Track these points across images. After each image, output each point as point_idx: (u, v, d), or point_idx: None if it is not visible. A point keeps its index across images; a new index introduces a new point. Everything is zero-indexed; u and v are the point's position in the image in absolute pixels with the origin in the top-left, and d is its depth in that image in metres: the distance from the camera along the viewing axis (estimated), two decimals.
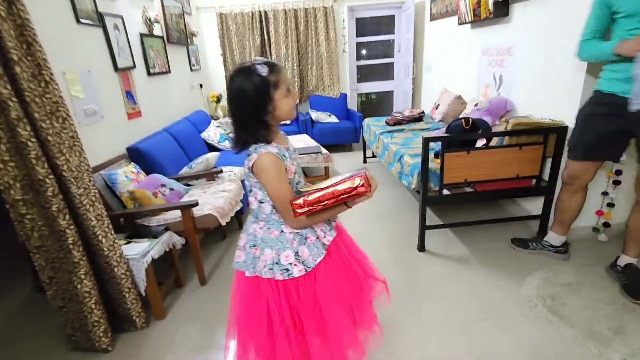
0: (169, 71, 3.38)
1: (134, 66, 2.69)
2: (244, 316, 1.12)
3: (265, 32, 4.78)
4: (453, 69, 3.68)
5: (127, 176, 2.12)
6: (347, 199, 0.95)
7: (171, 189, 2.24)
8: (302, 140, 3.87)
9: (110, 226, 1.65)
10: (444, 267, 2.15)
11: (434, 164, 2.24)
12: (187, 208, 1.94)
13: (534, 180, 2.24)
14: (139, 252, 1.74)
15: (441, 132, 2.90)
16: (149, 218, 2.04)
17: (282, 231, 1.07)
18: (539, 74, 2.34)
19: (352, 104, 5.30)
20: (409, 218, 2.77)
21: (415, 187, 2.31)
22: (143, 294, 1.75)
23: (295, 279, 1.05)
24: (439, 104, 3.72)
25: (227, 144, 3.76)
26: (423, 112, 3.77)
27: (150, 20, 3.01)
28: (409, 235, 2.51)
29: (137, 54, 2.80)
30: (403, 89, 5.10)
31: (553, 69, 2.21)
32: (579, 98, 2.02)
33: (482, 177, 2.16)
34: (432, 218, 2.70)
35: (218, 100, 4.77)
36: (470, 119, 2.15)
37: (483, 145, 2.27)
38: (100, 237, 1.59)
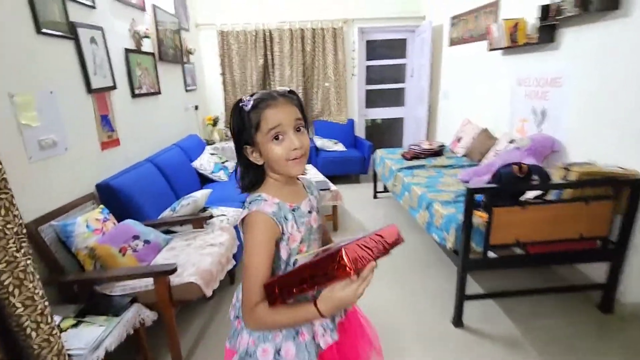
0: (159, 92, 2.97)
1: (114, 86, 2.27)
2: None
3: (269, 52, 4.45)
4: (477, 99, 3.31)
5: (89, 225, 1.66)
6: (322, 283, 0.66)
7: (146, 242, 1.78)
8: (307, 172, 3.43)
9: (47, 311, 1.17)
10: (489, 352, 1.68)
11: (475, 218, 1.80)
12: (162, 275, 1.47)
13: (599, 242, 1.80)
14: (87, 344, 1.26)
15: (474, 173, 2.48)
16: (111, 284, 1.56)
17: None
18: (598, 110, 1.95)
19: (360, 131, 4.92)
20: (436, 276, 2.30)
21: (451, 247, 1.85)
22: None
23: None
24: (461, 137, 3.33)
25: (221, 175, 3.32)
26: (443, 145, 3.37)
27: (139, 34, 2.62)
28: (439, 300, 2.04)
29: (120, 72, 2.39)
30: (415, 115, 4.73)
31: (620, 106, 1.81)
32: None
33: (538, 237, 1.72)
34: (468, 282, 2.23)
35: (215, 123, 4.37)
36: (524, 165, 1.73)
37: (536, 197, 1.84)
38: (28, 331, 1.12)
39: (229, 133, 4.57)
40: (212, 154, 3.51)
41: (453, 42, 3.72)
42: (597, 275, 1.98)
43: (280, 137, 0.76)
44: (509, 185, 1.71)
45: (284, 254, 0.82)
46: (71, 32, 1.87)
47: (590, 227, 1.73)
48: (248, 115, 0.77)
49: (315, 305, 0.70)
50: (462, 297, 1.81)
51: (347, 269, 0.60)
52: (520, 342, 1.73)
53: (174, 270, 1.48)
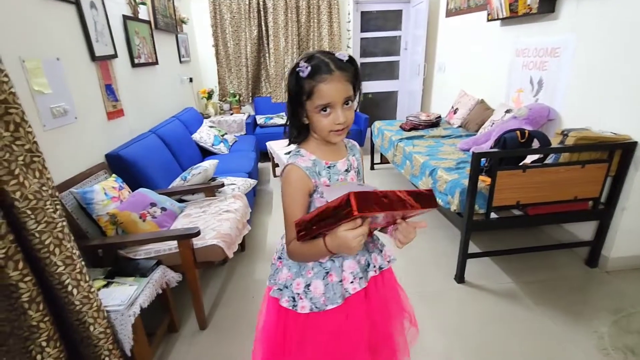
0: (157, 62, 2.91)
1: (116, 55, 2.22)
2: (261, 332, 1.03)
3: (263, 23, 4.34)
4: (473, 70, 3.37)
5: (107, 193, 1.68)
6: (333, 224, 0.69)
7: (163, 209, 1.82)
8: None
9: (85, 270, 1.22)
10: (490, 305, 1.83)
11: (479, 182, 1.90)
12: (185, 238, 1.53)
13: (590, 203, 1.94)
14: (123, 301, 1.32)
15: (473, 142, 2.58)
16: (135, 248, 1.61)
17: None
18: (594, 79, 2.04)
19: None
20: (438, 237, 2.44)
21: (456, 209, 1.96)
22: (129, 354, 1.33)
23: (296, 314, 0.92)
24: (457, 108, 3.40)
25: (222, 147, 3.32)
26: (440, 116, 3.45)
27: (135, 0, 2.53)
28: (442, 260, 2.18)
29: (120, 40, 2.33)
30: (409, 89, 4.77)
31: (615, 74, 1.91)
32: None
33: (538, 199, 1.85)
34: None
35: (209, 96, 4.31)
36: (526, 131, 1.82)
37: (535, 160, 1.95)
38: (70, 288, 1.17)
39: (224, 106, 4.52)
40: (210, 127, 3.49)
41: (450, 13, 3.72)
42: (582, 233, 2.14)
43: (328, 110, 0.81)
44: (513, 149, 1.80)
45: (318, 204, 0.87)
46: None
47: (585, 189, 1.86)
48: (302, 82, 0.80)
49: (324, 240, 0.76)
50: (465, 255, 1.93)
51: (352, 211, 0.62)
52: (518, 294, 1.89)
53: (198, 233, 1.53)
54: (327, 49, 4.51)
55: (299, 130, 0.90)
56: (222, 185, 2.14)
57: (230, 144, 3.51)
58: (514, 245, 2.24)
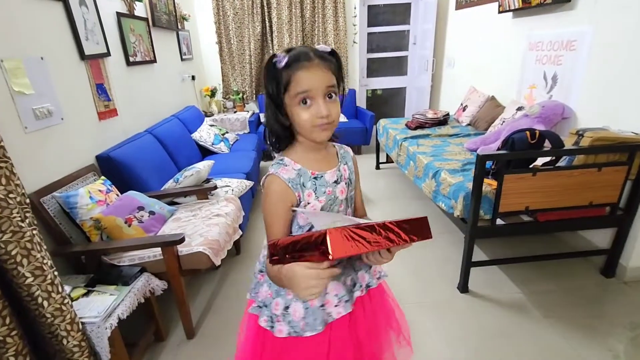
0: (155, 60, 2.85)
1: (108, 53, 2.16)
2: (240, 349, 0.97)
3: (266, 19, 4.25)
4: (484, 65, 3.21)
5: (92, 197, 1.63)
6: (306, 258, 0.60)
7: (151, 213, 1.75)
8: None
9: (57, 280, 1.16)
10: (495, 317, 1.71)
11: (484, 186, 1.77)
12: (170, 245, 1.46)
13: (607, 209, 1.79)
14: (100, 313, 1.26)
15: (481, 142, 2.44)
16: (119, 255, 1.55)
17: None
18: (613, 74, 1.88)
19: (361, 101, 4.80)
20: (441, 244, 2.32)
21: (459, 215, 1.84)
22: None
23: (273, 337, 0.85)
24: (466, 105, 3.25)
25: (222, 147, 3.26)
26: (448, 114, 3.30)
27: None
28: (445, 267, 2.06)
29: (113, 38, 2.27)
30: (418, 85, 4.61)
31: (636, 69, 1.75)
32: None
33: (548, 205, 1.71)
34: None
35: (213, 94, 4.25)
36: (536, 131, 1.68)
37: (546, 163, 1.81)
38: (40, 300, 1.11)
39: (227, 104, 4.46)
40: (211, 126, 3.43)
41: (460, 5, 3.55)
42: (599, 240, 1.99)
43: (309, 101, 0.72)
44: (522, 151, 1.67)
45: (301, 221, 0.80)
46: None
47: (601, 193, 1.71)
48: (280, 73, 0.72)
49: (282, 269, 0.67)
50: (469, 263, 1.81)
51: (327, 253, 0.53)
52: (525, 305, 1.76)
53: (181, 240, 1.46)
54: (333, 45, 4.40)
55: (278, 136, 0.80)
56: (215, 187, 2.07)
57: (232, 142, 3.45)
58: (524, 252, 2.11)
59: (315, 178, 0.80)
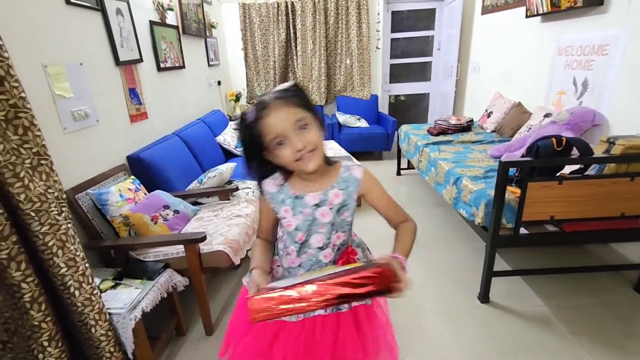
0: (183, 66, 2.98)
1: (141, 59, 2.29)
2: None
3: (291, 26, 4.34)
4: (510, 71, 3.13)
5: (122, 195, 1.72)
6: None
7: (175, 212, 1.83)
8: (330, 149, 3.40)
9: (88, 272, 1.23)
10: (516, 329, 1.65)
11: (507, 193, 1.73)
12: (192, 243, 1.51)
13: None
14: (125, 305, 1.32)
15: (505, 149, 2.38)
16: (145, 250, 1.62)
17: (277, 265, 0.98)
18: None
19: (384, 107, 4.79)
20: (462, 251, 2.27)
21: (480, 222, 1.80)
22: (130, 357, 1.34)
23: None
24: (491, 112, 3.18)
25: None
26: (472, 120, 3.24)
27: (162, 6, 2.60)
28: (465, 276, 2.02)
29: (146, 45, 2.40)
30: (442, 91, 4.56)
31: None
32: None
33: (575, 215, 1.64)
34: (496, 258, 2.18)
35: (237, 98, 4.37)
36: (563, 138, 1.63)
37: (574, 171, 1.75)
38: (72, 289, 1.18)
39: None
40: (235, 129, 3.52)
41: (486, 10, 3.49)
42: (632, 254, 1.89)
43: (284, 141, 0.78)
44: (547, 158, 1.62)
45: (287, 228, 0.91)
46: (98, 3, 1.87)
47: (634, 205, 1.62)
48: (251, 127, 0.79)
49: (252, 270, 0.84)
50: (490, 273, 1.77)
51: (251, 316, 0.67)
52: (550, 319, 1.70)
53: (203, 239, 1.52)
54: (355, 51, 4.42)
55: (261, 169, 0.88)
56: (237, 189, 2.13)
57: None
58: (549, 264, 2.03)
59: (295, 197, 0.87)
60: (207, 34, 3.66)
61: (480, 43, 3.71)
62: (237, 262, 1.61)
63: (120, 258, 1.62)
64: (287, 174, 0.89)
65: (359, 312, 0.93)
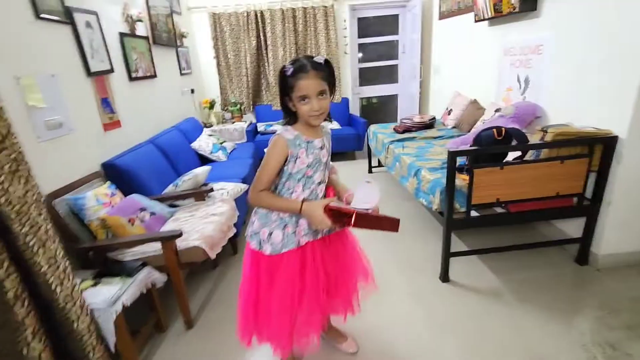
0: (155, 75, 3.05)
1: (112, 70, 2.36)
2: (243, 279, 1.31)
3: (261, 34, 4.47)
4: (466, 71, 3.38)
5: (99, 200, 1.79)
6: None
7: (152, 214, 1.91)
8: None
9: (69, 270, 1.31)
10: (473, 302, 1.83)
11: (459, 180, 1.92)
12: (168, 240, 1.61)
13: (575, 199, 1.92)
14: (106, 299, 1.40)
15: (462, 142, 2.59)
16: (123, 251, 1.70)
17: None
18: (576, 75, 2.04)
19: (354, 109, 4.99)
20: (426, 238, 2.45)
21: (437, 208, 1.98)
22: (112, 349, 1.41)
23: (264, 255, 1.21)
24: (451, 109, 3.41)
25: (220, 155, 3.43)
26: (434, 117, 3.46)
27: (132, 18, 2.68)
28: (429, 260, 2.19)
29: (116, 56, 2.47)
30: (408, 92, 4.80)
31: (595, 69, 1.90)
32: (633, 102, 1.71)
33: (517, 196, 1.85)
34: (454, 242, 2.36)
35: (211, 106, 4.44)
36: (502, 129, 1.83)
37: (516, 158, 1.96)
38: (53, 286, 1.25)
39: (226, 115, 4.66)
40: (210, 136, 3.61)
41: (443, 16, 3.75)
42: (573, 230, 2.11)
43: (307, 99, 1.08)
44: (487, 146, 1.82)
45: (292, 169, 1.16)
46: (67, 17, 1.95)
47: (566, 185, 1.84)
48: (287, 79, 1.08)
49: (302, 204, 1.13)
50: (447, 254, 1.95)
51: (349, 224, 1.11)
52: (503, 293, 1.88)
53: (179, 235, 1.61)
54: (325, 56, 4.59)
55: (289, 115, 1.17)
56: (211, 190, 2.22)
57: (229, 151, 3.62)
58: (501, 243, 2.23)
59: (307, 142, 1.15)
60: (178, 44, 3.74)
61: (440, 46, 3.96)
62: (213, 256, 1.71)
63: (98, 259, 1.69)
64: (293, 121, 1.17)
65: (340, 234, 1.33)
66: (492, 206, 1.94)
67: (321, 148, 1.18)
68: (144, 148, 2.50)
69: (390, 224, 1.16)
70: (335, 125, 4.56)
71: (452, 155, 1.74)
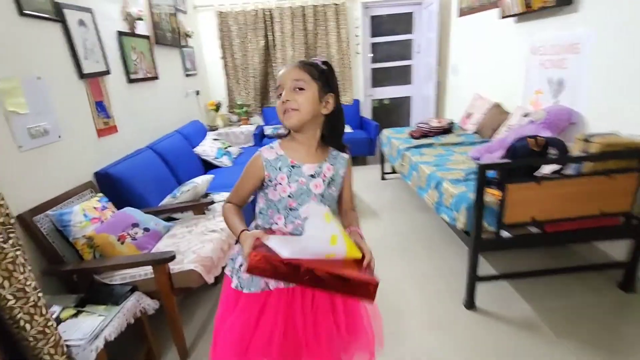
0: (156, 77, 2.89)
1: (108, 71, 2.20)
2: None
3: (269, 33, 4.30)
4: (488, 72, 3.14)
5: (86, 214, 1.62)
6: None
7: (145, 230, 1.74)
8: None
9: (42, 302, 1.14)
10: (502, 335, 1.61)
11: (487, 196, 1.70)
12: (160, 263, 1.43)
13: (621, 218, 1.69)
14: (86, 335, 1.23)
15: (486, 150, 2.36)
16: (111, 273, 1.53)
17: None
18: (622, 76, 1.80)
19: (366, 112, 4.77)
20: (447, 256, 2.23)
21: (462, 227, 1.76)
22: None
23: (229, 285, 1.02)
24: (471, 113, 3.18)
25: (225, 160, 3.26)
26: (452, 122, 3.23)
27: (132, 16, 2.52)
28: (450, 282, 1.97)
29: (114, 56, 2.31)
30: (423, 94, 4.57)
31: None
32: None
33: (555, 215, 1.62)
34: (481, 262, 2.14)
35: (217, 108, 4.29)
36: (541, 138, 1.61)
37: (553, 172, 1.73)
38: (22, 323, 1.08)
39: (232, 118, 4.50)
40: (214, 140, 3.44)
41: (463, 12, 3.52)
42: (617, 253, 1.87)
43: (281, 93, 0.90)
44: (524, 159, 1.59)
45: (273, 196, 0.95)
46: (57, 14, 1.79)
47: (612, 202, 1.61)
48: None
49: (242, 232, 0.88)
50: (474, 278, 1.73)
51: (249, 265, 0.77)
52: (537, 323, 1.66)
53: (172, 258, 1.43)
54: (336, 56, 4.40)
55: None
56: (212, 202, 2.05)
57: (235, 156, 3.45)
58: (534, 266, 2.00)
59: (292, 166, 0.93)
60: (183, 43, 3.59)
61: (459, 45, 3.72)
62: (210, 280, 1.52)
63: (83, 283, 1.52)
64: (286, 141, 0.97)
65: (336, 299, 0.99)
66: (525, 225, 1.71)
67: (312, 176, 0.94)
68: (142, 155, 2.33)
69: (360, 289, 0.76)
70: (346, 128, 4.35)
71: (483, 168, 1.53)
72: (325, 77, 0.91)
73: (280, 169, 0.93)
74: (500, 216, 1.61)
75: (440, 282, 2.00)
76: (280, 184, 0.93)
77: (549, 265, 1.86)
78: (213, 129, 4.15)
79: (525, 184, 1.56)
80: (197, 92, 3.96)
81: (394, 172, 3.65)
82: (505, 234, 1.70)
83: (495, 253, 2.18)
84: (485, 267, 2.07)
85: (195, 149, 3.15)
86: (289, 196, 0.93)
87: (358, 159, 4.41)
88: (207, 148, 3.24)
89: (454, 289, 1.91)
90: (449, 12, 3.78)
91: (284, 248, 0.77)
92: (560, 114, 2.10)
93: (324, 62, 0.93)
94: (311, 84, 0.89)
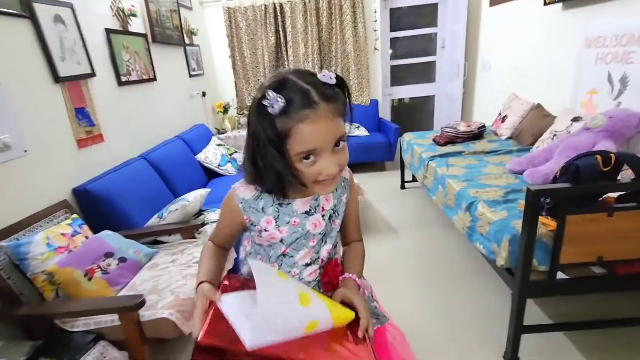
0: (154, 78, 2.65)
1: (93, 73, 1.96)
2: None
3: (280, 29, 4.01)
4: (527, 68, 2.73)
5: (51, 244, 1.38)
6: None
7: (121, 260, 1.48)
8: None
9: None
10: None
11: (538, 227, 1.33)
12: (127, 311, 1.16)
13: None
14: None
15: (528, 162, 1.98)
16: (73, 319, 1.27)
17: None
18: None
19: (385, 113, 4.41)
20: (482, 291, 1.87)
21: (504, 264, 1.41)
22: None
23: None
24: (506, 115, 2.78)
25: (229, 168, 3.00)
26: (484, 125, 2.84)
27: (123, 12, 2.29)
28: (487, 327, 1.62)
29: (101, 56, 2.08)
30: (448, 92, 4.16)
31: None
32: None
33: (631, 254, 1.25)
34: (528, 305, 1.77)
35: (225, 110, 4.04)
36: (611, 155, 1.24)
37: (621, 195, 1.35)
38: None
39: (242, 120, 4.25)
40: (218, 145, 3.19)
41: (495, 1, 3.10)
42: None
43: (313, 157, 0.62)
44: (592, 184, 1.23)
45: (260, 241, 0.76)
46: (24, 9, 1.55)
47: None
48: (273, 120, 0.59)
49: (199, 284, 0.68)
50: (519, 329, 1.37)
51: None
52: None
53: (141, 304, 1.16)
54: (352, 53, 4.06)
55: (258, 171, 0.66)
56: (203, 224, 1.77)
57: (240, 163, 3.18)
58: (598, 313, 1.61)
59: (279, 204, 0.71)
60: (187, 42, 3.35)
61: (490, 38, 3.31)
62: (187, 331, 1.24)
63: (41, 328, 1.28)
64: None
65: None
66: (588, 265, 1.34)
67: (307, 213, 0.73)
68: (132, 166, 2.09)
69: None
70: (362, 131, 4.03)
71: (537, 195, 1.17)
72: (348, 99, 0.65)
73: (263, 210, 0.71)
74: (555, 253, 1.25)
75: (475, 327, 1.64)
76: (266, 230, 0.71)
77: (614, 313, 1.47)
78: (221, 132, 3.91)
79: (592, 215, 1.19)
80: (204, 94, 3.71)
81: (414, 180, 3.29)
82: (560, 275, 1.33)
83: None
84: (533, 310, 1.68)
85: (197, 156, 2.91)
86: (281, 242, 0.73)
87: (375, 165, 4.06)
88: (210, 155, 2.99)
89: (491, 336, 1.56)
90: (479, 1, 3.37)
91: (245, 327, 0.55)
92: (627, 119, 1.69)
93: (338, 79, 0.63)
94: (344, 124, 0.64)
